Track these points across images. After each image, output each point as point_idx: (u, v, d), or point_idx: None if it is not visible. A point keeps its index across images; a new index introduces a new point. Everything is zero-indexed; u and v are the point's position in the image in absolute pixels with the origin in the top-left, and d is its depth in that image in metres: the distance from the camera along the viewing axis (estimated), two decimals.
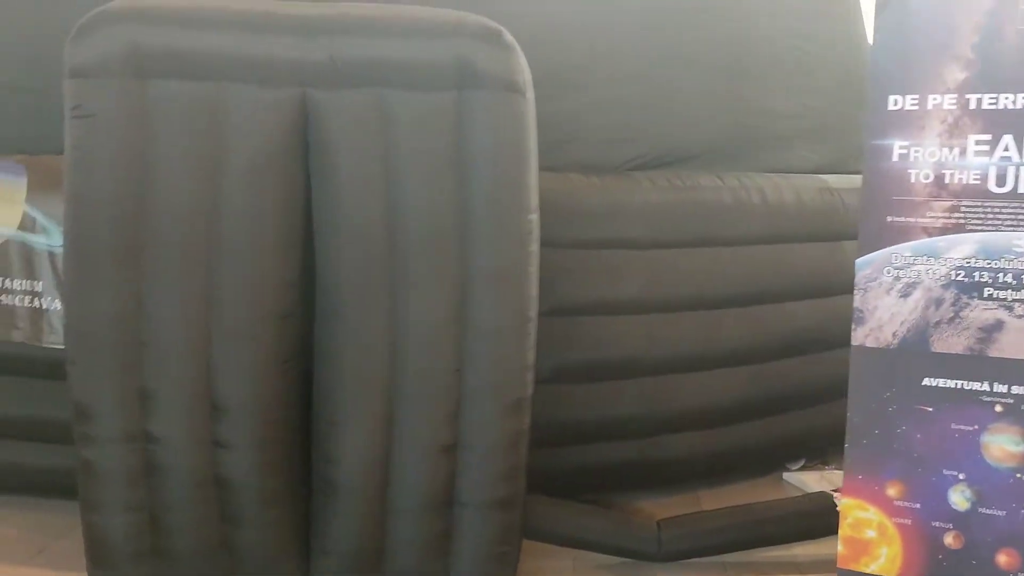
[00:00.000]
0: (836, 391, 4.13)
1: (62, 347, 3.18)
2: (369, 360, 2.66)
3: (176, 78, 2.52)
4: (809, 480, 3.93)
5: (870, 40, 4.77)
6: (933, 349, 2.49)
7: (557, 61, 3.54)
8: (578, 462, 3.58)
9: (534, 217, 2.69)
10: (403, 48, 2.57)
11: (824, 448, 4.23)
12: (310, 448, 2.80)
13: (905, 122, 2.45)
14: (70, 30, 3.41)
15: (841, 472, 3.99)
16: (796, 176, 4.02)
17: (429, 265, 2.63)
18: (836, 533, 3.17)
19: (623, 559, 3.13)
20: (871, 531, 2.65)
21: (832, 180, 4.20)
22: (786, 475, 4.06)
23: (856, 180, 4.48)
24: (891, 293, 2.54)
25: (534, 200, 2.69)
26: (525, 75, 2.62)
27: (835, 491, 3.29)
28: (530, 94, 2.65)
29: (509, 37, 2.58)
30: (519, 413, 2.74)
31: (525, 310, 2.70)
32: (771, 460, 4.05)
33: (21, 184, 3.19)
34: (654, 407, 3.57)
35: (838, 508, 3.20)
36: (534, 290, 2.72)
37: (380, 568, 2.78)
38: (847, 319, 4.14)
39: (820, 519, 3.16)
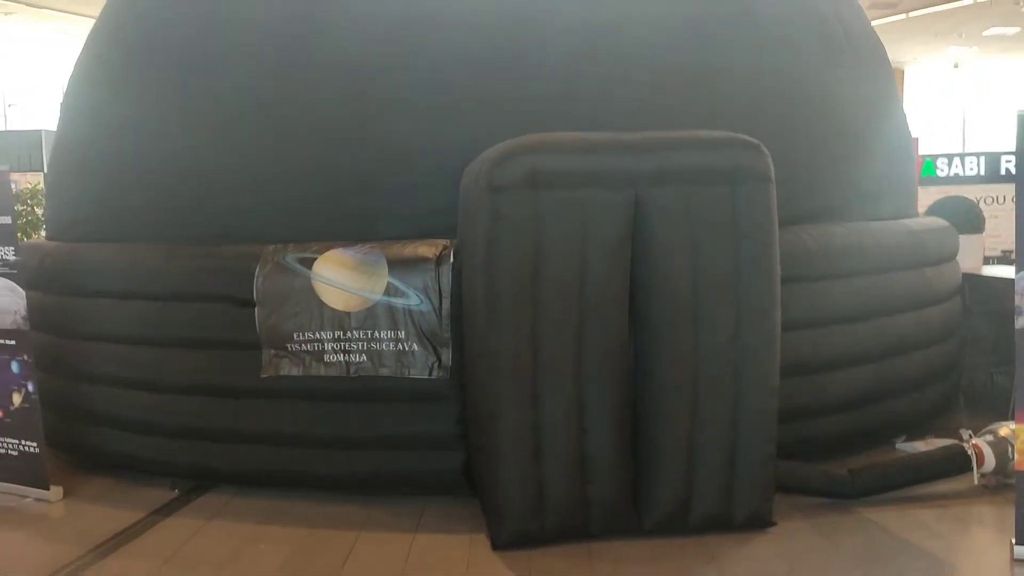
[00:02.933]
0: (930, 379, 5.58)
1: (420, 378, 4.45)
2: (680, 372, 3.98)
3: (558, 188, 3.84)
4: (919, 447, 5.30)
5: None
6: None
7: None
8: None
9: (778, 267, 4.04)
10: (700, 158, 3.94)
11: (922, 423, 5.62)
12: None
13: None
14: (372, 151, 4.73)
15: (941, 440, 5.40)
16: (890, 222, 5.49)
17: (716, 306, 3.96)
18: (969, 470, 4.55)
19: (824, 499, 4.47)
20: None
21: (911, 223, 5.69)
22: (898, 445, 5.42)
23: (926, 221, 5.99)
24: None
25: (778, 254, 4.04)
26: (773, 171, 3.99)
27: (963, 441, 4.66)
28: (774, 183, 4.01)
29: (764, 147, 3.96)
30: (774, 395, 4.07)
31: (776, 330, 4.05)
32: (885, 435, 5.44)
33: (382, 262, 4.44)
34: (818, 398, 4.93)
35: (968, 452, 4.59)
36: (779, 316, 4.06)
37: (688, 513, 4.06)
38: (933, 325, 5.60)
39: (958, 461, 4.53)
